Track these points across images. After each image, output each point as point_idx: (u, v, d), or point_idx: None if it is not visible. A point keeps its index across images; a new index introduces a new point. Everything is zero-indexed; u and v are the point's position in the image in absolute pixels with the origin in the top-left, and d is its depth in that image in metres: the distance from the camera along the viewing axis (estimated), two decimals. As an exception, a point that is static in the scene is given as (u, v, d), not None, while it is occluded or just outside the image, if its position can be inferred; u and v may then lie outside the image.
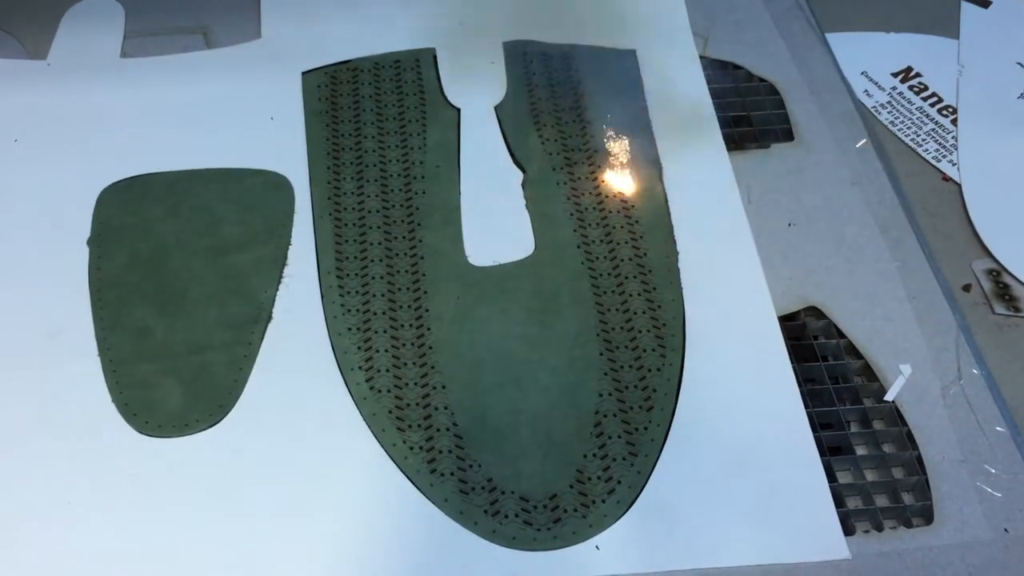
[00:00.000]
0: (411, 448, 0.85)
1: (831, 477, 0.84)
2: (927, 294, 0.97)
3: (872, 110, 1.18)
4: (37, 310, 0.93)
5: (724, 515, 0.81)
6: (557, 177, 1.06)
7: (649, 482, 0.83)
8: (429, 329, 0.93)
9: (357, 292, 0.95)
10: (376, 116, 1.12)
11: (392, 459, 0.84)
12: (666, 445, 0.85)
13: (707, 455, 0.85)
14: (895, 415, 0.88)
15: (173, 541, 0.80)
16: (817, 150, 1.10)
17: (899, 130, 1.15)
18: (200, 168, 1.06)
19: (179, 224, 1.00)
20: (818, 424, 0.87)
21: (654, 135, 1.10)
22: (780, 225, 1.03)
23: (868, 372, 0.91)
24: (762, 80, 1.18)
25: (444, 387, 0.89)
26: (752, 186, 1.06)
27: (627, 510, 0.81)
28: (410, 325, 0.93)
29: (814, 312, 0.96)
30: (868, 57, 1.24)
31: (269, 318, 0.93)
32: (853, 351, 0.93)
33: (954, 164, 1.11)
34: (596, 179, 1.06)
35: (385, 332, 0.92)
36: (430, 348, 0.91)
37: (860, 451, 0.87)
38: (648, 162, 1.07)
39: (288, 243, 0.99)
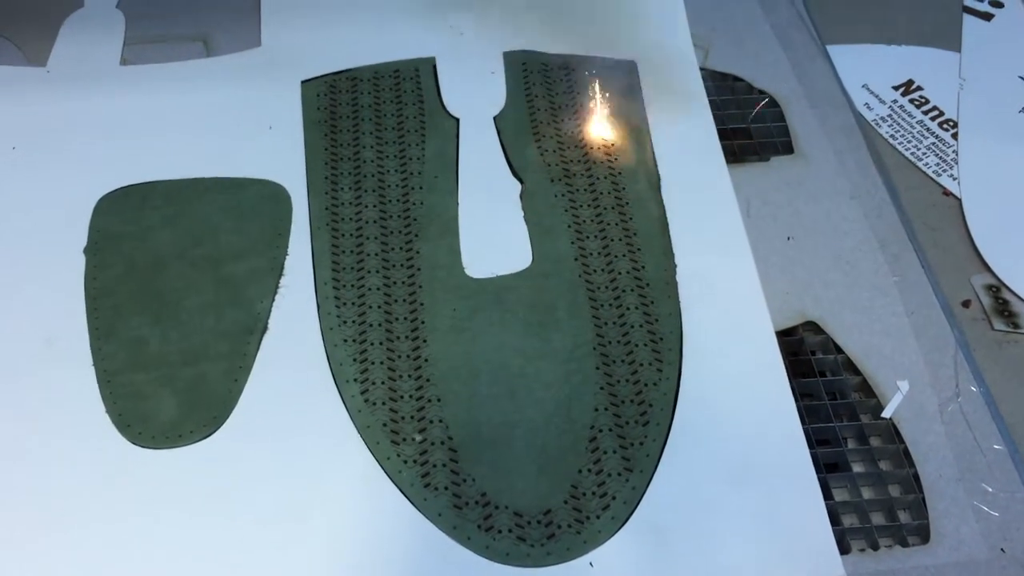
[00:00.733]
0: (405, 462, 0.84)
1: (827, 494, 0.83)
2: (926, 309, 0.96)
3: (872, 123, 1.17)
4: (32, 319, 0.93)
5: (719, 532, 0.81)
6: (555, 189, 1.05)
7: (644, 498, 0.83)
8: (425, 341, 0.92)
9: (353, 303, 0.95)
10: (375, 126, 1.12)
11: (386, 472, 0.84)
12: (662, 461, 0.85)
13: (703, 471, 0.84)
14: (892, 432, 0.88)
15: (167, 553, 0.79)
16: (817, 163, 1.10)
17: (899, 143, 1.15)
18: (198, 177, 1.05)
19: (176, 233, 1.00)
20: (815, 440, 0.87)
21: (653, 147, 1.10)
22: (779, 239, 1.02)
23: (866, 388, 0.91)
24: (762, 92, 1.18)
25: (439, 400, 0.88)
26: (751, 199, 1.06)
27: (622, 526, 0.81)
28: (406, 337, 0.93)
29: (812, 327, 0.95)
30: (869, 69, 1.24)
31: (265, 329, 0.93)
32: (851, 367, 0.93)
33: (954, 178, 1.11)
34: (594, 191, 1.05)
35: (381, 344, 0.92)
36: (426, 360, 0.91)
37: (857, 468, 0.87)
38: (647, 174, 1.07)
39: (285, 253, 0.99)
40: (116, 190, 1.04)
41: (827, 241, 1.02)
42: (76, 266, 0.97)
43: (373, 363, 0.91)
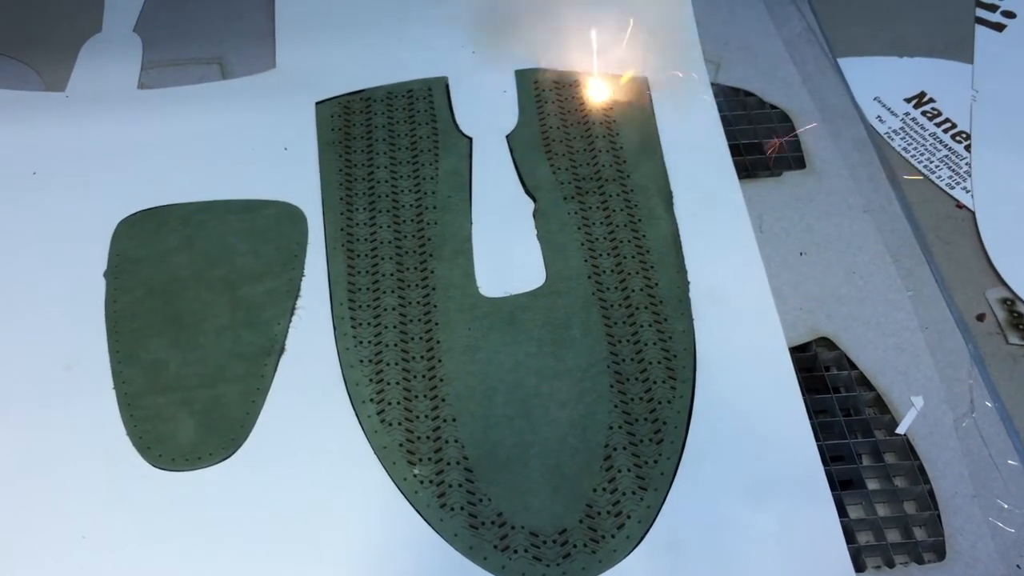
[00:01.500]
0: (421, 482, 0.85)
1: (842, 512, 0.83)
2: (940, 324, 0.96)
3: (885, 136, 1.17)
4: (54, 342, 0.95)
5: (733, 551, 0.81)
6: (568, 207, 1.06)
7: (659, 517, 0.83)
8: (440, 361, 0.93)
9: (369, 324, 0.96)
10: (389, 146, 1.13)
11: (402, 493, 0.84)
12: (676, 479, 0.85)
13: (717, 489, 0.85)
14: (907, 448, 0.88)
15: (187, 573, 0.80)
16: (829, 178, 1.10)
17: (912, 156, 1.15)
18: (215, 200, 1.07)
19: (194, 256, 1.01)
20: (829, 457, 0.87)
21: (665, 163, 1.10)
22: (791, 254, 1.02)
23: (880, 404, 0.91)
24: (774, 107, 1.18)
25: (455, 420, 0.89)
26: (763, 214, 1.06)
27: (637, 545, 0.81)
28: (421, 357, 0.94)
29: (825, 343, 0.95)
30: (881, 82, 1.24)
31: (282, 350, 0.94)
32: (865, 383, 0.93)
33: (968, 191, 1.10)
34: (607, 208, 1.06)
35: (397, 364, 0.93)
36: (441, 380, 0.92)
37: (871, 485, 0.87)
38: (659, 191, 1.07)
39: (301, 275, 1.00)
40: (135, 214, 1.05)
41: (840, 256, 1.02)
42: (96, 290, 0.99)
43: (389, 383, 0.92)
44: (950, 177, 1.12)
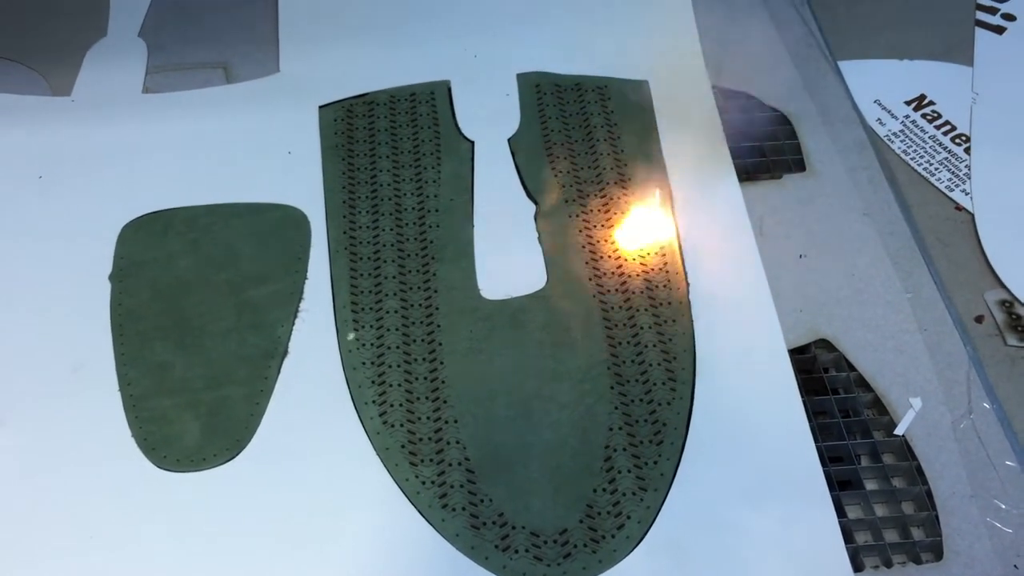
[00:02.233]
0: (423, 483, 0.86)
1: (840, 512, 0.84)
2: (939, 326, 0.97)
3: (885, 139, 1.18)
4: (60, 345, 0.96)
5: (733, 550, 0.82)
6: (569, 210, 1.07)
7: (658, 517, 0.84)
8: (442, 363, 0.94)
9: (371, 326, 0.97)
10: (391, 149, 1.14)
11: (404, 494, 0.85)
12: (675, 479, 0.86)
13: (716, 490, 0.85)
14: (905, 449, 0.88)
15: (191, 573, 0.81)
16: (829, 180, 1.11)
17: (912, 159, 1.15)
18: (219, 203, 1.08)
19: (199, 259, 1.02)
20: (828, 458, 0.88)
21: (666, 166, 1.11)
22: (791, 257, 1.03)
23: (878, 405, 0.92)
24: (774, 110, 1.19)
25: (456, 421, 0.90)
26: (764, 217, 1.07)
27: (636, 545, 0.82)
28: (423, 359, 0.94)
29: (824, 345, 0.96)
30: (881, 85, 1.24)
31: (285, 353, 0.95)
32: (863, 384, 0.93)
33: (967, 193, 1.11)
34: (608, 211, 1.07)
35: (399, 366, 0.94)
36: (443, 382, 0.93)
37: (870, 486, 0.87)
38: (660, 193, 1.08)
39: (304, 277, 1.01)
40: (140, 217, 1.06)
41: (840, 258, 1.03)
42: (102, 293, 1.00)
43: (391, 385, 0.92)
44: (949, 179, 1.13)
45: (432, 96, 1.20)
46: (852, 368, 0.94)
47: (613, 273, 1.01)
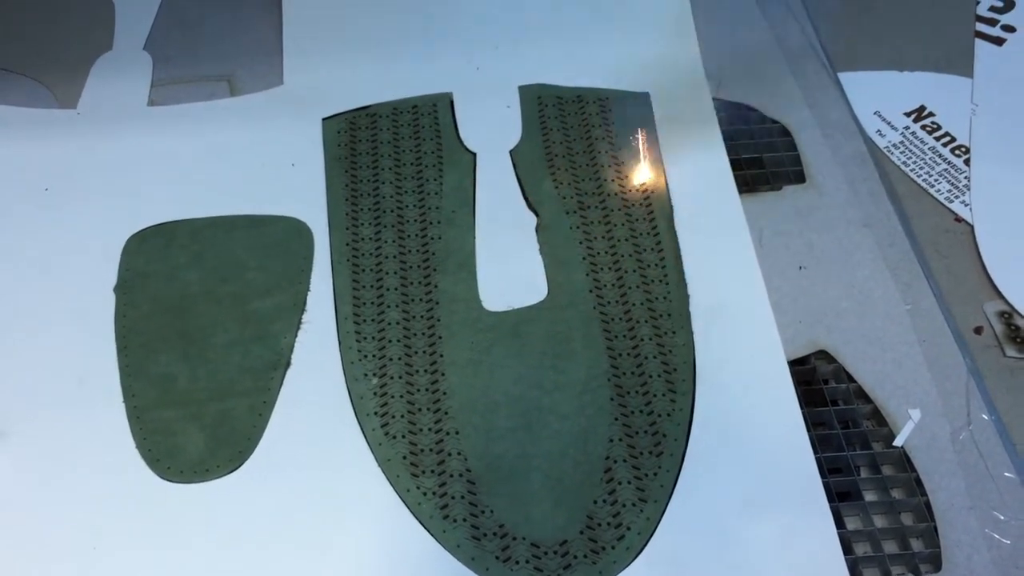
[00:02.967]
0: (424, 494, 0.86)
1: (840, 523, 0.84)
2: (938, 337, 0.97)
3: (884, 150, 1.18)
4: (65, 356, 0.97)
5: (732, 562, 0.82)
6: (570, 221, 1.08)
7: (658, 528, 0.84)
8: (443, 374, 0.95)
9: (373, 338, 0.98)
10: (394, 161, 1.14)
11: (406, 505, 0.86)
12: (675, 491, 0.87)
13: (716, 501, 0.86)
14: (904, 460, 0.89)
15: (194, 584, 0.82)
16: (829, 192, 1.11)
17: (911, 170, 1.16)
18: (224, 215, 1.09)
19: (202, 271, 1.03)
20: (827, 469, 0.88)
21: (667, 177, 1.12)
22: (791, 268, 1.04)
23: (877, 416, 0.92)
24: (775, 122, 1.19)
25: (458, 433, 0.90)
26: (763, 228, 1.07)
27: (636, 556, 0.83)
28: (425, 371, 0.95)
29: (824, 356, 0.97)
30: (881, 96, 1.25)
31: (288, 364, 0.96)
32: (862, 396, 0.94)
33: (966, 205, 1.11)
34: (609, 223, 1.07)
35: (400, 378, 0.95)
36: (444, 394, 0.93)
37: (869, 497, 0.88)
38: (660, 205, 1.09)
39: (307, 289, 1.02)
40: (145, 229, 1.07)
41: (839, 270, 1.03)
42: (107, 305, 1.00)
43: (393, 397, 0.93)
44: (949, 191, 1.13)
45: (434, 108, 1.21)
46: (851, 379, 0.95)
47: (614, 285, 1.02)
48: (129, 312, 1.00)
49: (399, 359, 0.96)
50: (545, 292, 1.01)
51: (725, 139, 1.16)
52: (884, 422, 0.92)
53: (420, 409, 0.92)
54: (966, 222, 1.10)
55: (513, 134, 1.18)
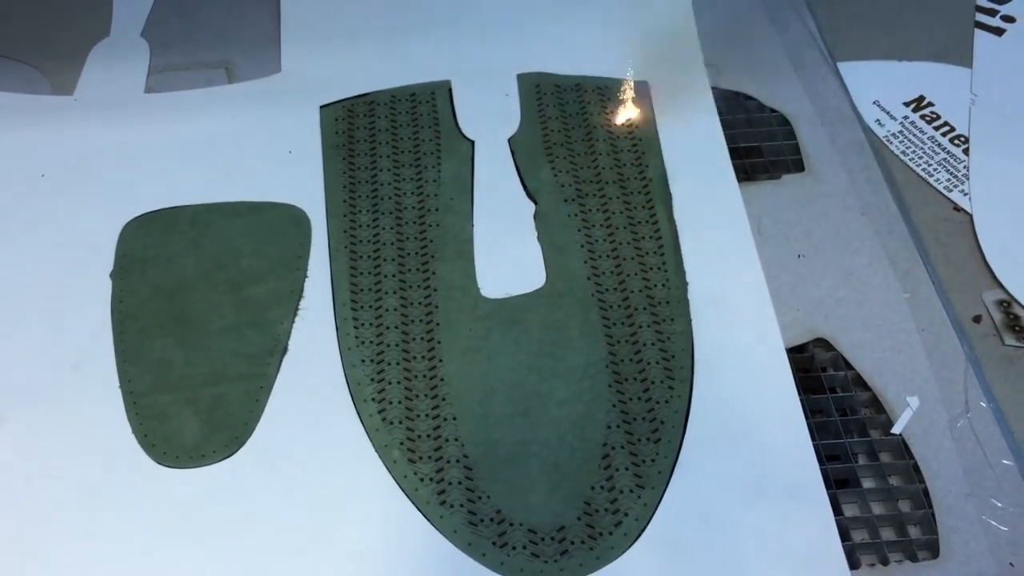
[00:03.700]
0: (421, 479, 0.86)
1: (837, 510, 0.84)
2: (936, 326, 0.97)
3: (884, 139, 1.18)
4: (61, 342, 0.96)
5: (730, 548, 0.82)
6: (569, 209, 1.07)
7: (656, 515, 0.84)
8: (441, 361, 0.94)
9: (371, 324, 0.97)
10: (392, 149, 1.14)
11: (403, 490, 0.86)
12: (673, 477, 0.86)
13: (714, 488, 0.86)
14: (902, 448, 0.89)
15: (190, 570, 0.82)
16: (828, 181, 1.11)
17: (910, 160, 1.16)
18: (220, 202, 1.08)
19: (199, 257, 1.03)
20: (825, 457, 0.88)
21: (665, 166, 1.11)
22: (789, 256, 1.04)
23: (876, 404, 0.92)
24: (774, 111, 1.19)
25: (455, 419, 0.90)
26: (762, 217, 1.07)
27: (634, 543, 0.83)
28: (422, 357, 0.95)
29: (822, 344, 0.96)
30: (880, 86, 1.25)
31: (285, 350, 0.95)
32: (861, 383, 0.94)
33: (965, 194, 1.11)
34: (607, 210, 1.07)
35: (398, 364, 0.94)
36: (442, 380, 0.93)
37: (867, 484, 0.88)
38: (659, 193, 1.08)
39: (304, 275, 1.01)
40: (141, 215, 1.07)
41: (838, 258, 1.03)
42: (103, 290, 1.00)
43: (390, 383, 0.93)
44: (948, 180, 1.13)
45: (433, 96, 1.20)
46: (850, 367, 0.95)
47: (612, 272, 1.01)
48: (125, 298, 0.99)
49: (396, 345, 0.96)
50: (543, 280, 1.01)
51: (724, 128, 1.16)
52: (882, 409, 0.91)
53: (418, 395, 0.92)
54: (965, 211, 1.10)
55: (511, 122, 1.17)
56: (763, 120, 1.18)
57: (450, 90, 1.21)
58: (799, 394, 0.91)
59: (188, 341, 0.96)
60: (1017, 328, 0.98)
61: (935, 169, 1.15)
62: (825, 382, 0.94)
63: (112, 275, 1.01)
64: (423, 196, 1.09)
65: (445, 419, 0.90)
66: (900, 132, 1.19)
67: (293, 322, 0.98)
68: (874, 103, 1.23)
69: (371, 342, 0.96)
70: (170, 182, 1.11)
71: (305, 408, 0.91)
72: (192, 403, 0.91)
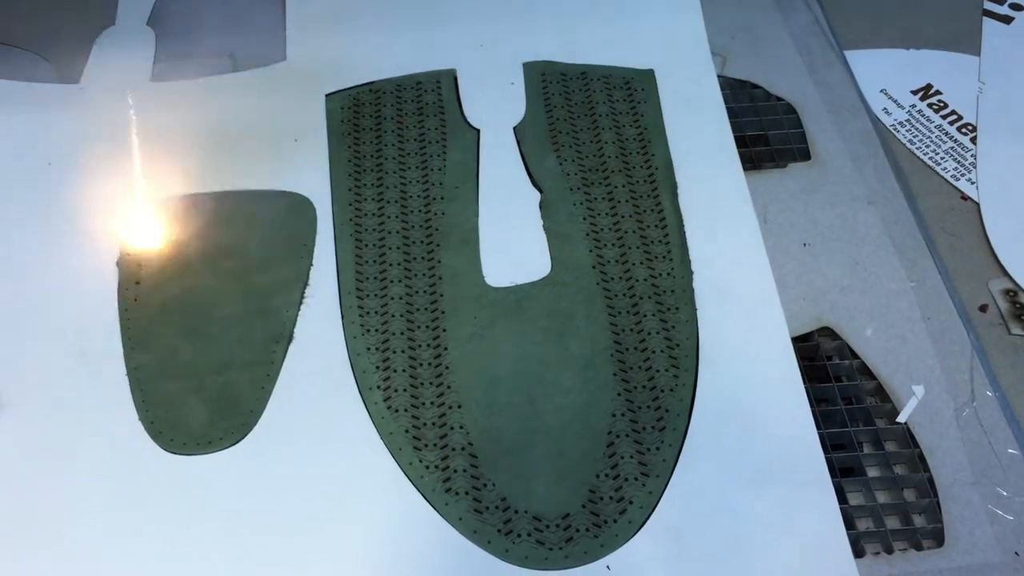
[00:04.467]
0: (427, 467, 0.86)
1: (842, 499, 0.84)
2: (942, 315, 0.97)
3: (891, 128, 1.18)
4: (68, 330, 0.96)
5: (734, 536, 0.82)
6: (574, 197, 1.07)
7: (660, 502, 0.84)
8: (446, 349, 0.95)
9: (376, 312, 0.97)
10: (397, 137, 1.14)
11: (408, 478, 0.86)
12: (678, 466, 0.86)
13: (718, 476, 0.86)
14: (907, 437, 0.89)
15: (195, 556, 0.82)
16: (834, 169, 1.11)
17: (917, 148, 1.15)
18: (226, 190, 1.08)
19: (205, 245, 1.03)
20: (830, 445, 0.88)
21: (671, 155, 1.11)
22: (795, 245, 1.03)
23: (881, 393, 0.92)
24: (780, 99, 1.19)
25: (460, 407, 0.90)
26: (768, 205, 1.07)
27: (638, 530, 0.83)
28: (428, 345, 0.95)
29: (828, 333, 0.96)
30: (887, 74, 1.24)
31: (291, 338, 0.96)
32: (866, 372, 0.94)
33: (973, 183, 1.11)
34: (612, 199, 1.07)
35: (403, 352, 0.94)
36: (447, 368, 0.93)
37: (872, 473, 0.88)
38: (664, 182, 1.08)
39: (310, 263, 1.02)
40: (148, 203, 1.07)
41: (844, 247, 1.03)
42: (110, 278, 1.00)
43: (395, 371, 0.93)
44: (955, 169, 1.13)
45: (438, 84, 1.20)
46: (855, 356, 0.94)
47: (617, 261, 1.01)
48: (131, 286, 0.99)
49: (402, 333, 0.96)
50: (548, 268, 1.01)
51: (730, 116, 1.15)
52: (888, 398, 0.91)
53: (423, 383, 0.92)
54: (972, 200, 1.09)
55: (517, 111, 1.17)
56: (769, 109, 1.18)
57: (455, 78, 1.21)
58: (804, 383, 0.91)
59: (195, 329, 0.96)
60: (1023, 317, 0.98)
61: (942, 158, 1.14)
62: (830, 371, 0.94)
63: (118, 263, 1.01)
64: (428, 184, 1.09)
65: (450, 407, 0.90)
66: (907, 121, 1.19)
67: (299, 310, 0.98)
68: (881, 91, 1.22)
69: (376, 330, 0.96)
70: (176, 170, 1.11)
71: (311, 396, 0.92)
72: (199, 390, 0.91)
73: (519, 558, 0.81)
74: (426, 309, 0.98)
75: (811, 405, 0.90)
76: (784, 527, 0.82)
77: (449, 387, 0.92)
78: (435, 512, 0.84)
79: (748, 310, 0.98)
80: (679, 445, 0.88)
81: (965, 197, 1.10)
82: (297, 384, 0.93)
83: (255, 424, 0.90)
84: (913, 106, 1.20)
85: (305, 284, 1.00)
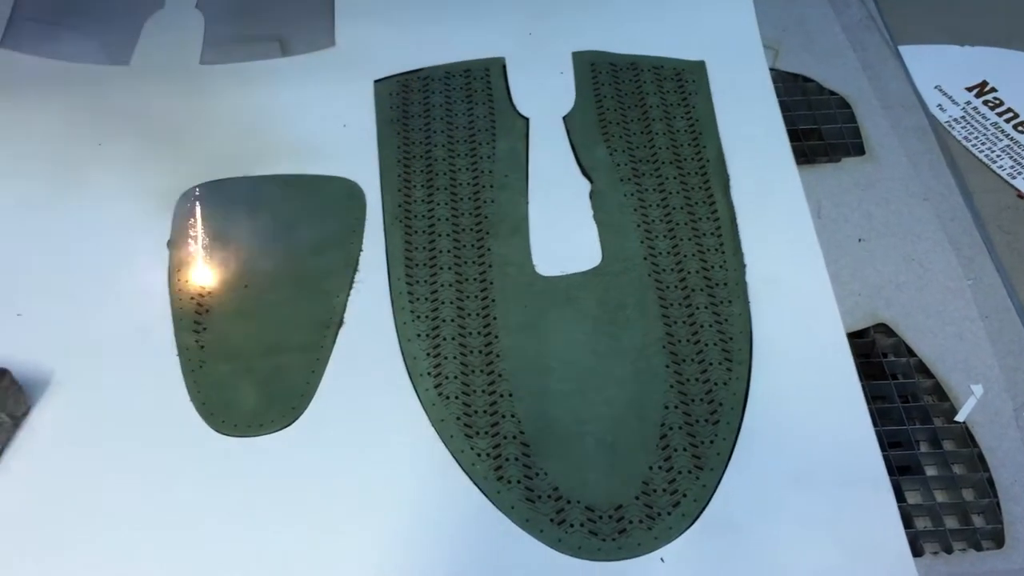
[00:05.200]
0: (478, 455, 0.86)
1: (900, 497, 0.83)
2: (1000, 313, 0.96)
3: (945, 125, 1.16)
4: (120, 311, 0.96)
5: (789, 532, 0.81)
6: (624, 188, 1.06)
7: (715, 496, 0.83)
8: (497, 337, 0.94)
9: (426, 299, 0.97)
10: (446, 125, 1.13)
11: (460, 465, 0.85)
12: (732, 459, 0.85)
13: (773, 471, 0.85)
14: (966, 436, 0.87)
15: (243, 537, 0.82)
16: (889, 165, 1.09)
17: (973, 146, 1.14)
18: (276, 174, 1.08)
19: (256, 228, 1.03)
20: (887, 443, 0.87)
21: (722, 147, 1.10)
22: (850, 240, 1.02)
23: (939, 391, 0.91)
24: (833, 93, 1.17)
25: (511, 395, 0.90)
26: (822, 200, 1.06)
27: (692, 523, 0.82)
28: (478, 332, 0.94)
29: (884, 329, 0.95)
30: (942, 71, 1.23)
31: (341, 322, 0.95)
32: (923, 370, 0.92)
33: (1030, 181, 1.09)
34: (663, 190, 1.06)
35: (453, 339, 0.94)
36: (497, 356, 0.92)
37: (930, 471, 0.86)
38: (716, 175, 1.07)
39: (360, 249, 1.01)
40: (198, 186, 1.07)
41: (899, 243, 1.02)
42: (160, 259, 1.00)
43: (446, 358, 0.92)
44: (1012, 167, 1.11)
45: (487, 73, 1.19)
46: (912, 354, 0.93)
47: (668, 253, 1.00)
48: (183, 267, 0.99)
49: (452, 321, 0.95)
50: (599, 258, 1.00)
51: (782, 110, 1.14)
52: (945, 397, 0.90)
53: (474, 371, 0.92)
54: (1029, 199, 1.08)
55: (566, 100, 1.16)
56: (822, 103, 1.16)
57: (504, 67, 1.20)
58: (860, 379, 0.90)
59: (245, 311, 0.96)
60: (1083, 318, 0.96)
61: (998, 155, 1.13)
62: (886, 368, 0.93)
63: (169, 244, 1.01)
64: (478, 172, 1.09)
65: (501, 395, 0.90)
66: (962, 117, 1.17)
67: (349, 295, 0.97)
68: (936, 88, 1.21)
69: (426, 316, 0.96)
70: (225, 153, 1.11)
71: (361, 381, 0.91)
72: (250, 373, 0.91)
73: (572, 548, 0.81)
74: (476, 297, 0.97)
75: (867, 402, 0.88)
76: (840, 525, 0.81)
77: (500, 375, 0.91)
78: (487, 500, 0.83)
79: (802, 305, 0.96)
80: (733, 439, 0.87)
81: (1021, 195, 1.08)
82: (348, 369, 0.92)
83: (306, 408, 0.89)
84: (968, 103, 1.19)
85: (355, 269, 0.99)
